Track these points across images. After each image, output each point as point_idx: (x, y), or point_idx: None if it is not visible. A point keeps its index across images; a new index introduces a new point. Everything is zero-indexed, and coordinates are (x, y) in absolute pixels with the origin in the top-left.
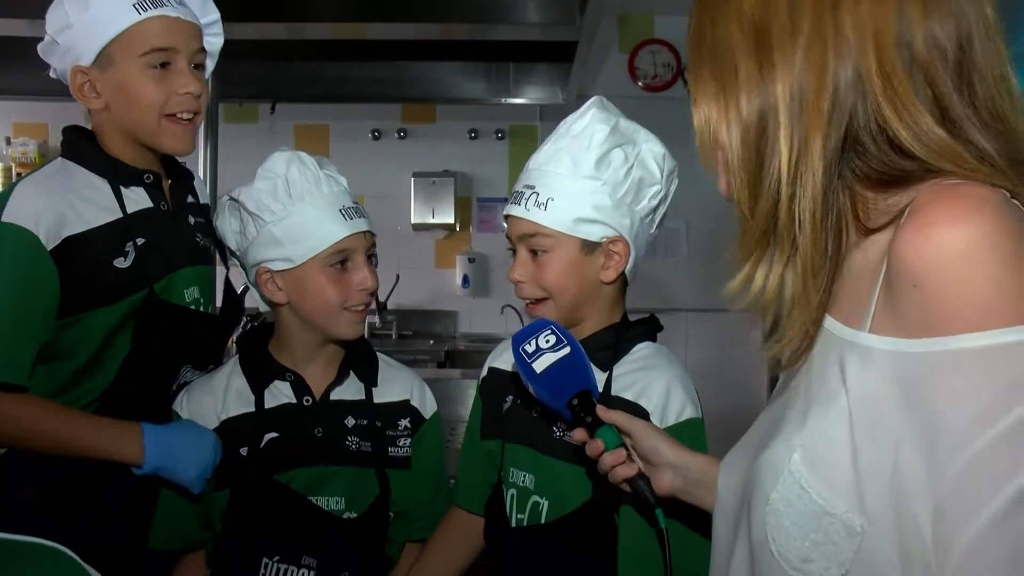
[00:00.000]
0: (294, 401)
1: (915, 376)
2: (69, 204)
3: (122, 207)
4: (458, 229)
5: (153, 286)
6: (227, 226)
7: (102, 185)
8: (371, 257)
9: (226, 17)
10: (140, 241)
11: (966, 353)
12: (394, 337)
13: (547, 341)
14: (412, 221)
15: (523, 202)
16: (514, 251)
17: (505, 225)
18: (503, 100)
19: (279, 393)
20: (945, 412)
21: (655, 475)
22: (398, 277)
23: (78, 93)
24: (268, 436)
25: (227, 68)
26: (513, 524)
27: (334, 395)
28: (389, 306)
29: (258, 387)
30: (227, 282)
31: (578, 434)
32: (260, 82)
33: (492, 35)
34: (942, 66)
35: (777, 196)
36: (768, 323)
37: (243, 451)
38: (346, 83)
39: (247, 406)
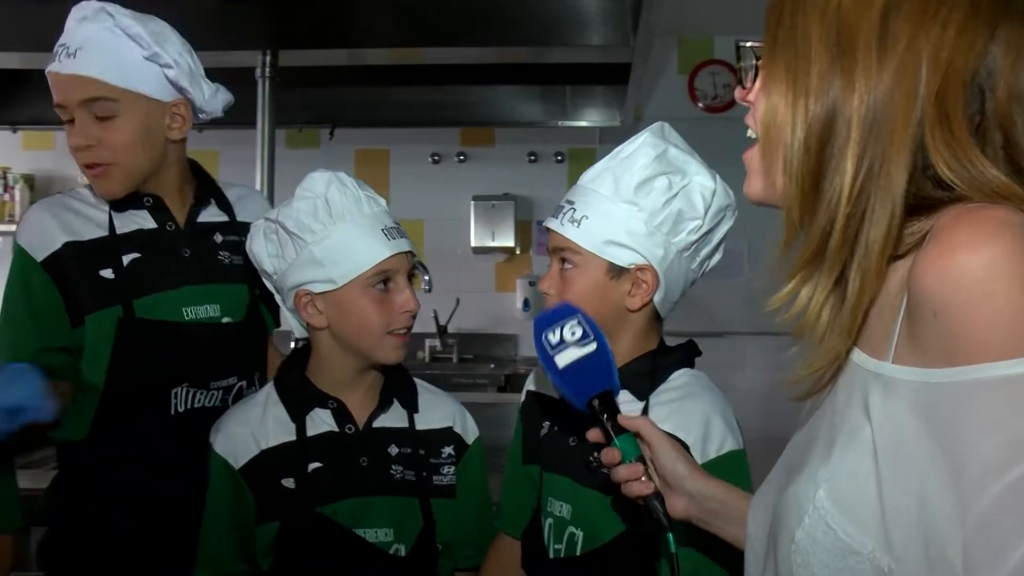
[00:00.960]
0: (336, 429)
1: (939, 407)
2: (64, 222)
3: (111, 226)
4: (518, 252)
5: (133, 301)
6: (262, 248)
7: (101, 208)
8: (411, 278)
9: (286, 44)
10: (130, 257)
11: (989, 383)
12: (455, 361)
13: (573, 333)
14: (472, 244)
15: (560, 216)
16: None
17: None
18: (560, 123)
19: (320, 421)
20: (971, 444)
21: (671, 497)
22: (458, 301)
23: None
24: (312, 466)
25: (286, 94)
26: (551, 555)
27: (377, 423)
28: (449, 329)
29: (298, 415)
30: (253, 298)
31: (593, 435)
32: (320, 108)
33: (549, 58)
34: (1022, 118)
35: (835, 214)
36: (799, 348)
37: (287, 482)
38: (405, 108)
39: (288, 435)
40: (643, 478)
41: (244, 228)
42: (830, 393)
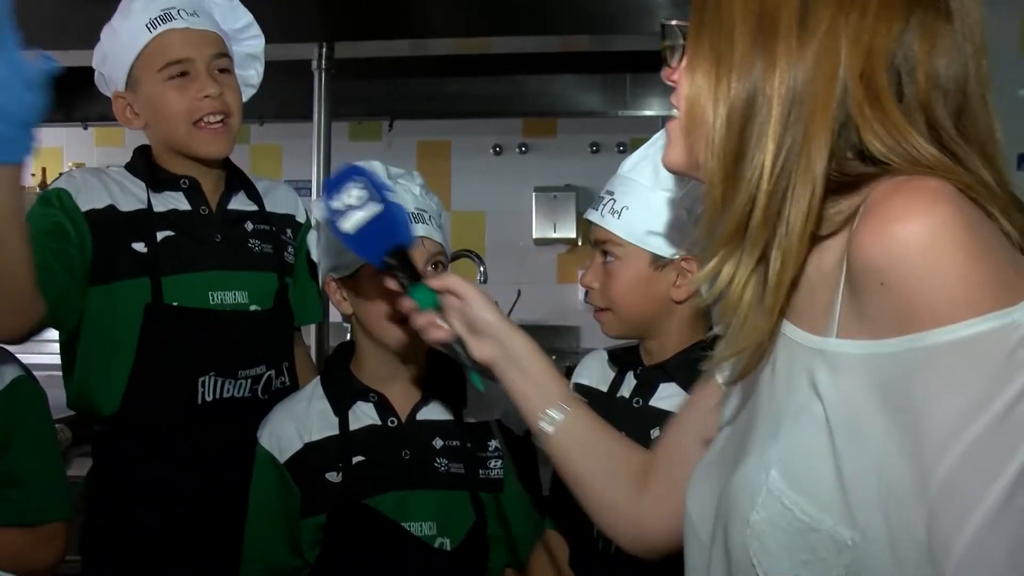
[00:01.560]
0: (378, 423)
1: (892, 377)
2: (107, 187)
3: (149, 203)
4: (580, 244)
5: (162, 278)
6: (312, 240)
7: (140, 186)
8: (437, 266)
9: (344, 36)
10: (163, 234)
11: (942, 347)
12: None
13: (359, 198)
14: (534, 236)
15: (600, 207)
16: None
17: None
18: (620, 112)
19: (363, 415)
20: (928, 411)
21: (476, 342)
22: (519, 292)
23: (121, 117)
24: (355, 459)
25: (345, 87)
26: (599, 549)
27: (421, 415)
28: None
29: (341, 409)
30: (282, 288)
31: (407, 304)
32: (379, 100)
33: (612, 46)
34: (941, 102)
35: (756, 191)
36: (723, 328)
37: (331, 476)
38: (466, 98)
39: (331, 429)
40: (441, 327)
41: (274, 218)
42: (766, 374)
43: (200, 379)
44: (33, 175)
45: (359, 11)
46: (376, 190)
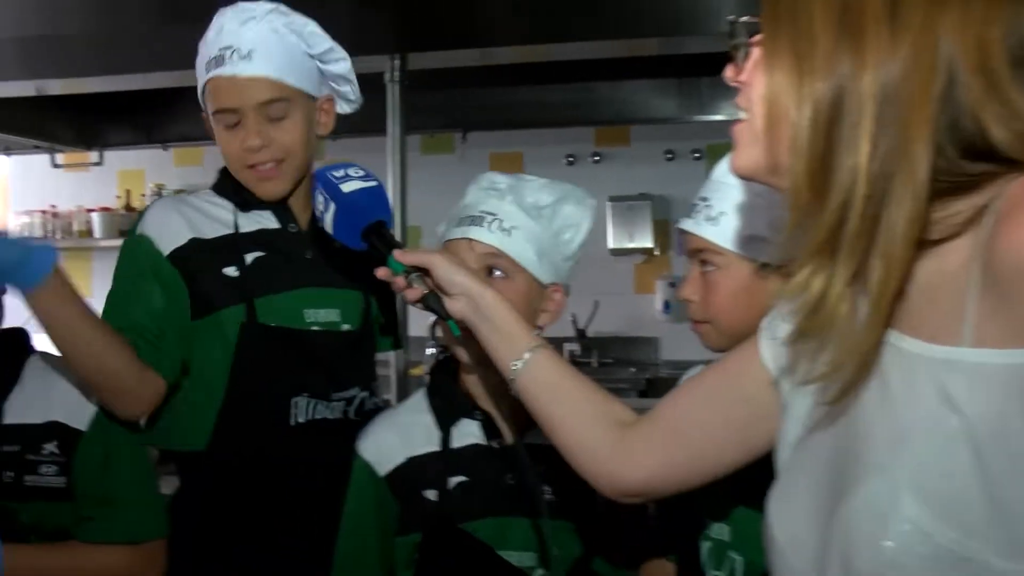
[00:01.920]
0: (483, 443)
1: None
2: (188, 219)
3: (235, 226)
4: (657, 253)
5: (255, 300)
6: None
7: (226, 207)
8: (491, 271)
9: (415, 47)
10: (253, 255)
11: None
12: (595, 365)
13: (357, 172)
14: (609, 246)
15: (695, 214)
16: None
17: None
18: (696, 117)
19: (467, 433)
20: None
21: (450, 301)
22: (597, 303)
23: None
24: (455, 480)
25: (417, 99)
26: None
27: (527, 439)
28: (589, 333)
29: (444, 425)
30: (368, 308)
31: (382, 272)
32: (451, 111)
33: (684, 48)
34: None
35: (850, 196)
36: (814, 346)
37: (429, 494)
38: (537, 108)
39: (433, 444)
40: (415, 287)
41: None
42: (873, 389)
43: (293, 400)
44: (118, 197)
45: (430, 21)
46: (370, 173)
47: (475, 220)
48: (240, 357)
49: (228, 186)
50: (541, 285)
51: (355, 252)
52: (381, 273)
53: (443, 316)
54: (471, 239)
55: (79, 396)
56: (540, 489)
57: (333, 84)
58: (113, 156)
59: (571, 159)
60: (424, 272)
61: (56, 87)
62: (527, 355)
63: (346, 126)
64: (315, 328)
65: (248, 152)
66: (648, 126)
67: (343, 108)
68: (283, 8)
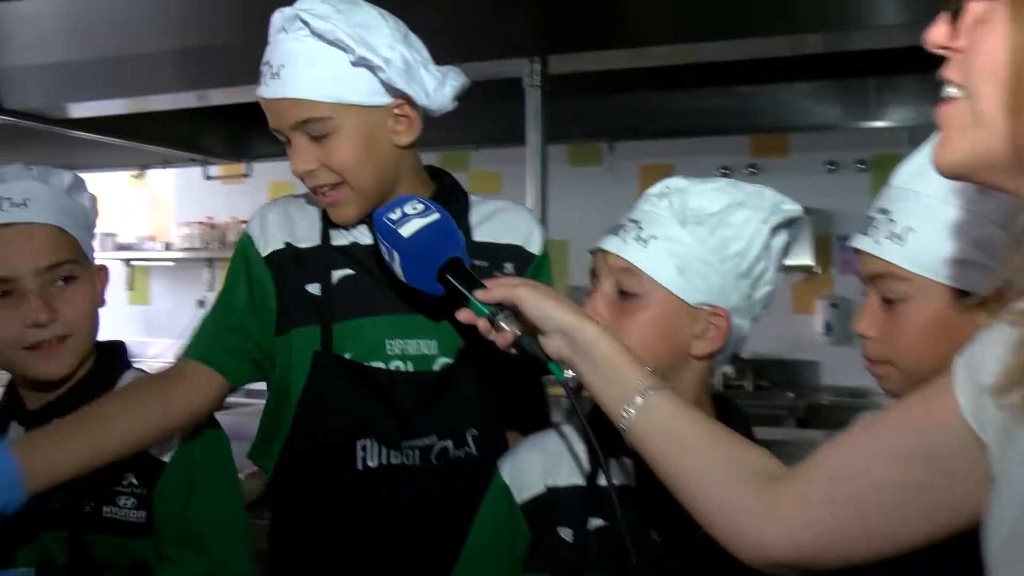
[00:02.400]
0: (634, 485)
1: None
2: (290, 223)
3: (325, 236)
4: (818, 271)
5: (333, 324)
6: None
7: (320, 214)
8: (624, 294)
9: (556, 49)
10: (340, 273)
11: None
12: (749, 389)
13: (414, 208)
14: None
15: (873, 231)
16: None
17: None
18: (861, 124)
19: (620, 472)
20: None
21: (544, 339)
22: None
23: None
24: (596, 522)
25: (560, 105)
26: None
27: None
28: (744, 355)
29: (594, 458)
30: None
31: (464, 315)
32: (598, 120)
33: (848, 45)
34: None
35: None
36: None
37: (564, 533)
38: (689, 115)
39: (579, 477)
40: (505, 330)
41: (488, 250)
42: None
43: (359, 442)
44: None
45: (572, 21)
46: (431, 204)
47: (616, 229)
48: (308, 388)
49: None
50: (688, 307)
51: (475, 269)
52: (463, 317)
53: (541, 359)
54: (604, 251)
55: None
56: (633, 543)
57: (400, 88)
58: (263, 167)
59: (726, 170)
60: (513, 309)
61: (215, 97)
62: (639, 399)
63: (488, 134)
64: (396, 363)
65: (296, 174)
66: (808, 134)
67: (430, 110)
68: (306, 11)
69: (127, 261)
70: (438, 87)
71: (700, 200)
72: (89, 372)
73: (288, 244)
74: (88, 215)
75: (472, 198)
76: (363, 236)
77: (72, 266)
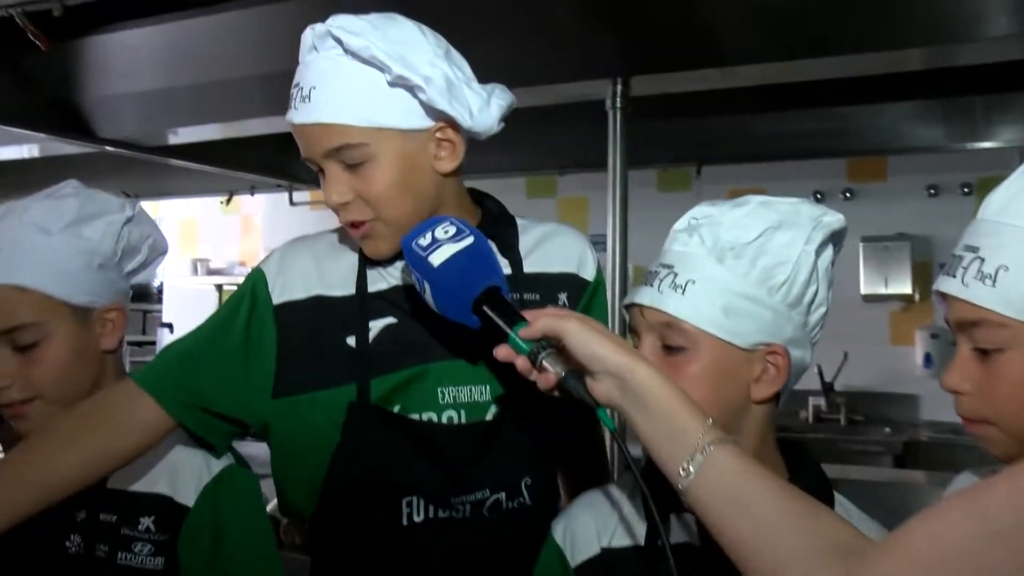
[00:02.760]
0: (698, 544)
1: None
2: (318, 268)
3: (361, 282)
4: (917, 300)
5: (372, 380)
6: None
7: (353, 255)
8: (670, 349)
9: (639, 69)
10: (381, 323)
11: None
12: (842, 422)
13: (446, 232)
14: (862, 292)
15: (959, 271)
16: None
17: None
18: (968, 145)
19: (680, 529)
20: None
21: (591, 381)
22: (846, 354)
23: None
24: None
25: (645, 128)
26: None
27: None
28: (837, 387)
29: (651, 518)
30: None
31: (502, 351)
32: (685, 143)
33: (952, 60)
34: None
35: None
36: None
37: None
38: (780, 138)
39: (634, 537)
40: (548, 370)
41: (540, 281)
42: None
43: (404, 499)
44: None
45: (657, 39)
46: (465, 226)
47: (649, 278)
48: (344, 444)
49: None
50: (742, 350)
51: (527, 304)
52: (501, 354)
53: (588, 404)
54: (640, 305)
55: (192, 466)
56: None
57: (448, 107)
58: None
59: (819, 195)
60: (558, 346)
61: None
62: (700, 456)
63: (573, 158)
64: (448, 413)
65: (330, 207)
66: (907, 157)
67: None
68: (340, 27)
69: (218, 286)
70: (483, 107)
71: (734, 230)
72: None
73: (317, 296)
74: (91, 252)
75: (520, 222)
76: (401, 274)
77: (30, 330)
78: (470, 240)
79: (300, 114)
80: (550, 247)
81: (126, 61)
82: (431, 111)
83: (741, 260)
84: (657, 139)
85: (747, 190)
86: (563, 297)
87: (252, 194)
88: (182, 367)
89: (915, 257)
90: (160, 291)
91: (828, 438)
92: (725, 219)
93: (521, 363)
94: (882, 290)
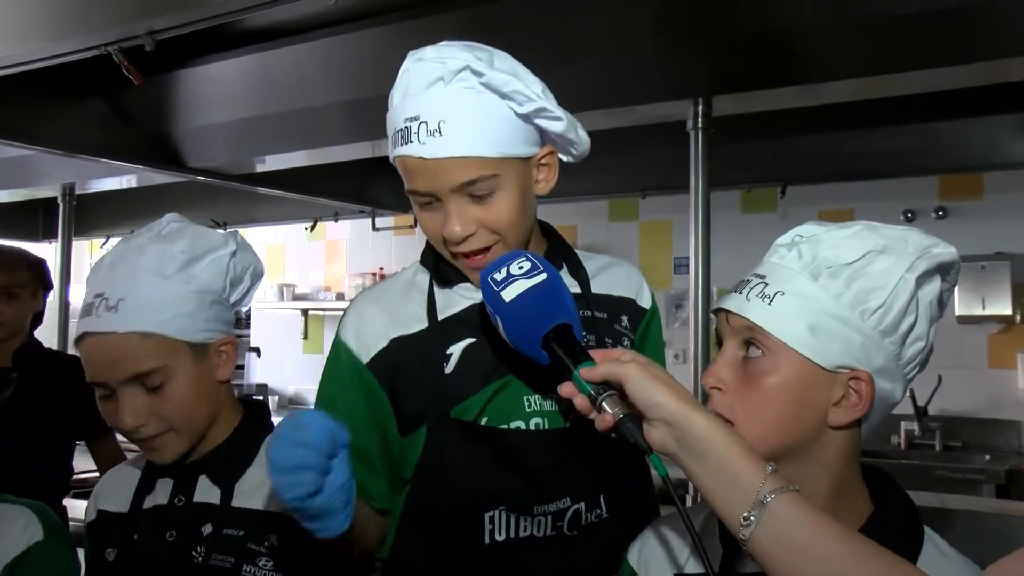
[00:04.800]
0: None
1: None
2: (390, 313)
3: (431, 311)
4: (1017, 321)
5: (457, 405)
6: None
7: (422, 287)
8: (748, 345)
9: (721, 88)
10: (461, 345)
11: None
12: (938, 448)
13: (520, 268)
14: (957, 313)
15: None
16: None
17: None
18: None
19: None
20: None
21: (648, 427)
22: (940, 378)
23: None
24: None
25: (728, 149)
26: None
27: None
28: (931, 411)
29: (729, 547)
30: None
31: (566, 389)
32: (768, 163)
33: None
34: None
35: None
36: None
37: None
38: (868, 156)
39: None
40: (606, 411)
41: (606, 302)
42: None
43: (487, 515)
44: None
45: (738, 59)
46: (540, 262)
47: (740, 286)
48: (424, 462)
49: (429, 259)
50: (824, 371)
51: (596, 322)
52: (565, 391)
53: (642, 450)
54: (727, 311)
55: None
56: None
57: (554, 136)
58: None
59: (910, 215)
60: (619, 388)
61: (385, 147)
62: (760, 505)
63: (655, 181)
64: (535, 420)
65: (451, 240)
66: (1005, 173)
67: (570, 156)
68: (479, 55)
69: (304, 311)
70: (579, 132)
71: (834, 249)
72: (235, 432)
73: (396, 339)
74: (204, 291)
75: (579, 253)
76: (478, 294)
77: (158, 373)
78: (543, 276)
79: (429, 148)
80: (611, 274)
81: (214, 92)
82: (545, 137)
83: (836, 280)
84: (740, 159)
85: (835, 210)
86: (625, 319)
87: (336, 220)
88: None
89: (1016, 277)
90: (248, 317)
91: (923, 465)
92: (828, 238)
93: (580, 402)
94: (979, 311)
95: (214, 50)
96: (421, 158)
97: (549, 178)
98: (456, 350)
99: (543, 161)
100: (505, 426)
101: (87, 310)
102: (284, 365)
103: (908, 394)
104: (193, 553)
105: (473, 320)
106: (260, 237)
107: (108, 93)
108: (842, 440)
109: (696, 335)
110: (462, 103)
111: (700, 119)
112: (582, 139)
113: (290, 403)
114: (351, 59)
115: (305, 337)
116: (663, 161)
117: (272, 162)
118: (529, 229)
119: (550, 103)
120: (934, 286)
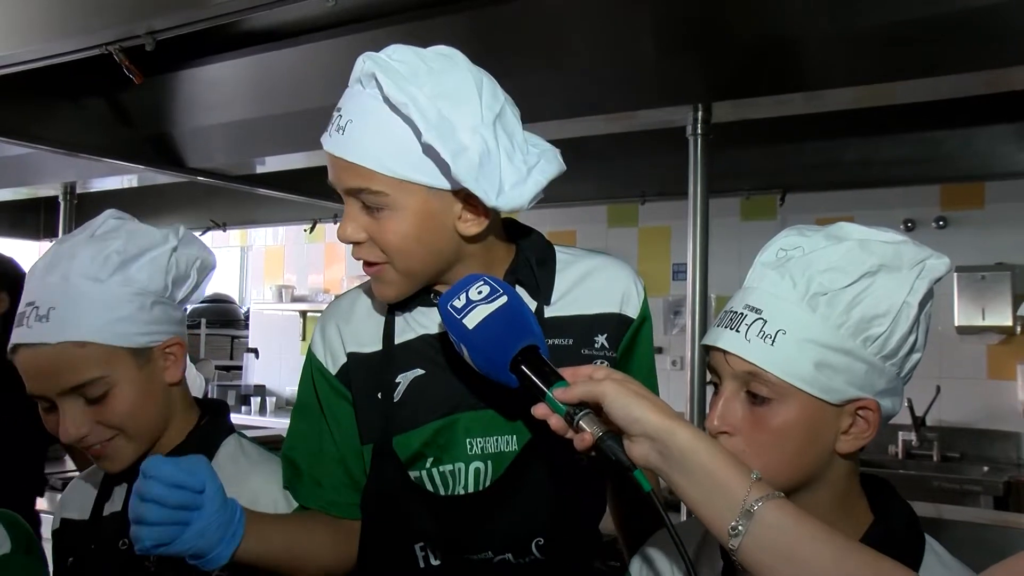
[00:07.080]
0: None
1: None
2: (351, 328)
3: (388, 334)
4: (1018, 332)
5: (397, 436)
6: None
7: (383, 306)
8: (755, 397)
9: (721, 95)
10: (410, 376)
11: None
12: (935, 459)
13: (479, 292)
14: (956, 323)
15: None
16: None
17: None
18: None
19: None
20: None
21: (629, 443)
22: (939, 388)
23: None
24: None
25: (727, 156)
26: None
27: None
28: (929, 422)
29: (730, 558)
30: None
31: (540, 410)
32: (767, 170)
33: None
34: None
35: None
36: None
37: None
38: (868, 164)
39: None
40: (584, 431)
41: (574, 324)
42: None
43: (416, 545)
44: None
45: (738, 64)
46: (499, 285)
47: (733, 320)
48: (369, 476)
49: None
50: (831, 405)
51: (562, 349)
52: (539, 412)
53: (625, 467)
54: (723, 351)
55: (268, 498)
56: None
57: (473, 184)
58: None
59: (910, 224)
60: (596, 407)
61: None
62: (747, 514)
63: (655, 186)
64: (476, 464)
65: (342, 241)
66: (1006, 182)
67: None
68: (385, 68)
69: (303, 313)
70: (517, 183)
71: (828, 272)
72: (190, 436)
73: (352, 354)
74: (143, 292)
75: (563, 257)
76: (434, 324)
77: (97, 384)
78: (503, 300)
79: (331, 143)
80: (591, 286)
81: (214, 93)
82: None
83: (834, 309)
84: (740, 166)
85: (835, 218)
86: (601, 339)
87: (335, 222)
88: (314, 473)
89: (1016, 288)
90: (247, 317)
91: (921, 475)
92: (818, 259)
93: (555, 422)
94: (978, 322)
95: (215, 51)
96: (324, 150)
97: (476, 222)
98: (404, 380)
99: (468, 202)
100: (450, 466)
101: (19, 320)
102: (282, 366)
103: (906, 404)
104: (146, 563)
105: (424, 352)
106: (260, 239)
107: (109, 93)
108: (846, 464)
109: (694, 342)
110: (365, 110)
111: (700, 125)
112: (504, 192)
113: (287, 404)
114: (351, 61)
115: (303, 339)
116: (663, 167)
117: (272, 163)
118: (433, 262)
119: (457, 140)
120: (930, 298)
